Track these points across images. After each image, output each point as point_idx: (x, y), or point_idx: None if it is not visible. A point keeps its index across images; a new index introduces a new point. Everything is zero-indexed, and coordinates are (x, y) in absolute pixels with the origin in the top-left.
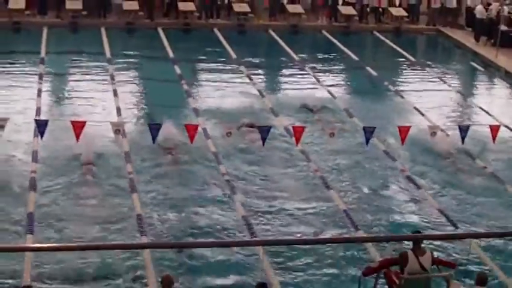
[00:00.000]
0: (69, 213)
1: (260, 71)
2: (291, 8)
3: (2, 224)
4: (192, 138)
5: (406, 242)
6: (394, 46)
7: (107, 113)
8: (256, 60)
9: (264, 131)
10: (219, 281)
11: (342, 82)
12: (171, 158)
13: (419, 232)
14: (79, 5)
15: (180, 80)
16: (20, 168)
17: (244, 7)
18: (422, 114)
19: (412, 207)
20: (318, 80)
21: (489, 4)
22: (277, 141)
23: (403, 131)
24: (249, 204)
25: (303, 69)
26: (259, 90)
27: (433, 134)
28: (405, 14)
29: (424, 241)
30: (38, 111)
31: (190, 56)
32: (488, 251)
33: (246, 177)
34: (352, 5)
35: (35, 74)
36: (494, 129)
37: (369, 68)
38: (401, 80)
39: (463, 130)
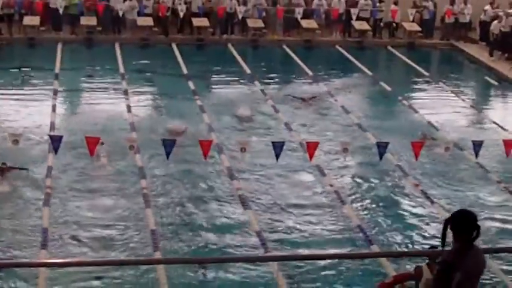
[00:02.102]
0: (83, 226)
1: (274, 86)
2: (305, 23)
3: (17, 238)
4: (205, 154)
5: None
6: (408, 61)
7: (120, 128)
8: (271, 75)
9: (278, 147)
10: None
11: (356, 97)
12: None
13: (434, 247)
14: (93, 21)
15: (194, 96)
16: (34, 184)
17: (259, 22)
18: (437, 129)
19: (426, 222)
20: (332, 95)
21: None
22: (291, 156)
23: (417, 146)
24: (263, 220)
25: (317, 84)
26: (273, 106)
27: (447, 149)
28: (419, 28)
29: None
30: (52, 126)
31: (204, 72)
32: (506, 267)
33: (259, 192)
34: (366, 20)
35: (50, 90)
36: (509, 144)
37: (382, 83)
38: (415, 94)
39: (477, 145)
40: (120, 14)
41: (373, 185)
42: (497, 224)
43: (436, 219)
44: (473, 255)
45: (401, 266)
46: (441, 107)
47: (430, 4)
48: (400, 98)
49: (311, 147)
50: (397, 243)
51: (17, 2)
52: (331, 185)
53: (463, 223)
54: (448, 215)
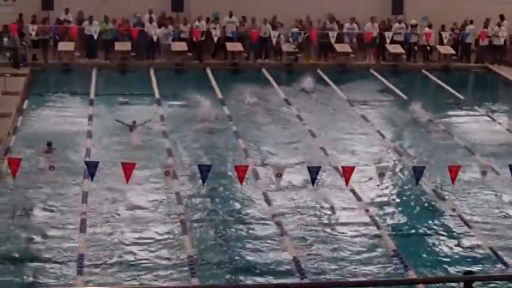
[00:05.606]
0: (118, 254)
1: (309, 110)
2: (339, 47)
3: (53, 263)
4: (241, 179)
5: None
6: (443, 84)
7: (157, 154)
8: (305, 99)
9: (314, 172)
10: None
11: (391, 121)
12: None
13: (470, 272)
14: (128, 47)
15: (228, 121)
16: (70, 210)
17: (293, 47)
18: (473, 153)
19: (463, 247)
20: (367, 119)
21: None
22: (328, 180)
23: (453, 171)
24: (299, 244)
25: (351, 108)
26: (309, 130)
27: (484, 172)
28: (453, 51)
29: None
30: (88, 152)
31: (239, 96)
32: None
33: (295, 217)
34: (400, 43)
35: (84, 115)
36: None
37: (417, 107)
38: (450, 118)
39: None
40: (155, 39)
41: (408, 209)
42: None
43: (473, 244)
44: None
45: None
46: (476, 131)
47: (469, 28)
48: (435, 121)
49: (347, 172)
50: (433, 268)
51: (51, 28)
52: (367, 210)
53: None
54: (485, 239)
